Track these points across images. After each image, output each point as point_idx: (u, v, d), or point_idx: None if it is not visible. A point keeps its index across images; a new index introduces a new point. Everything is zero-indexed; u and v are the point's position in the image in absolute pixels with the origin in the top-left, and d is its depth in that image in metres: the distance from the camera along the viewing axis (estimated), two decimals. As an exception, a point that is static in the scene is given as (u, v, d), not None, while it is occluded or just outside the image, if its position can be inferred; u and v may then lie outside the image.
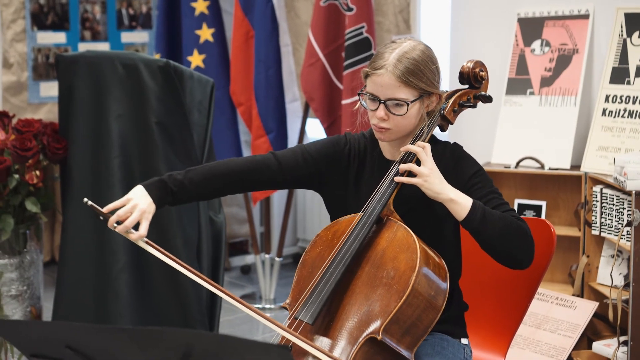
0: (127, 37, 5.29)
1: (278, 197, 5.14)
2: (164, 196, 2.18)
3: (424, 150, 2.16)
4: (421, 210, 2.23)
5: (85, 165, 2.88)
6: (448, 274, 2.13)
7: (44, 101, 5.01)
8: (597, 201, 3.65)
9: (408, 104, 2.18)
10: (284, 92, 4.61)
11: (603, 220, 3.62)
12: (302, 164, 2.29)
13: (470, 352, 2.30)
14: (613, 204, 3.57)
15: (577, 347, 3.66)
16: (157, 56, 4.61)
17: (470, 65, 2.30)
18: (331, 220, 2.35)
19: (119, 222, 2.13)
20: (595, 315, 3.66)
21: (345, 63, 4.40)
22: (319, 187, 2.35)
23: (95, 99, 2.86)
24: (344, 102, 4.43)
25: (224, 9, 4.91)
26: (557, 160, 3.88)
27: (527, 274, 2.50)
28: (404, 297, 2.00)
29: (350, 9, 4.36)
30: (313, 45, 4.53)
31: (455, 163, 2.24)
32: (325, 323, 2.07)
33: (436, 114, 2.26)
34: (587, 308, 3.68)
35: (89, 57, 2.87)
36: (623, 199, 3.50)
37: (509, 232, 2.12)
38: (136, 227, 2.14)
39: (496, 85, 3.91)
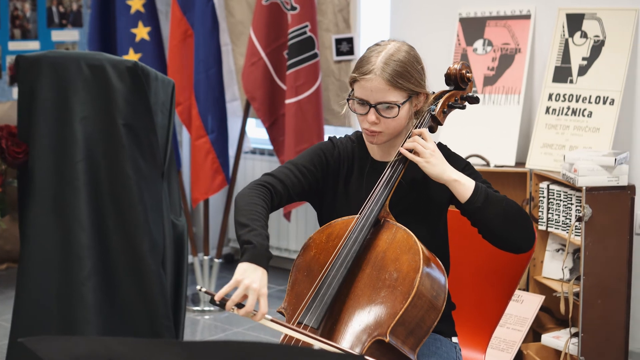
0: (57, 35, 5.14)
1: (214, 199, 5.08)
2: (267, 257, 2.07)
3: (421, 135, 2.18)
4: (414, 212, 2.24)
5: (47, 170, 2.79)
6: (445, 274, 2.14)
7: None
8: (543, 197, 3.75)
9: (399, 106, 2.18)
10: (224, 92, 4.56)
11: (550, 215, 3.71)
12: (301, 178, 2.26)
13: (460, 350, 2.33)
14: (560, 200, 3.66)
15: (525, 340, 3.74)
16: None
17: (457, 66, 2.32)
18: (320, 224, 2.34)
19: (237, 305, 2.01)
20: (540, 308, 3.74)
21: (289, 62, 4.38)
22: (316, 197, 2.32)
23: (58, 100, 2.77)
24: (287, 101, 4.41)
25: (158, 9, 4.82)
26: (502, 157, 3.96)
27: (507, 271, 2.55)
28: (410, 299, 2.01)
29: (293, 8, 4.35)
30: (255, 44, 4.50)
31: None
32: (328, 326, 2.06)
33: (426, 115, 2.28)
34: (533, 302, 3.77)
35: (52, 58, 2.78)
36: (571, 194, 3.60)
37: (511, 214, 2.15)
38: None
39: (438, 84, 3.96)
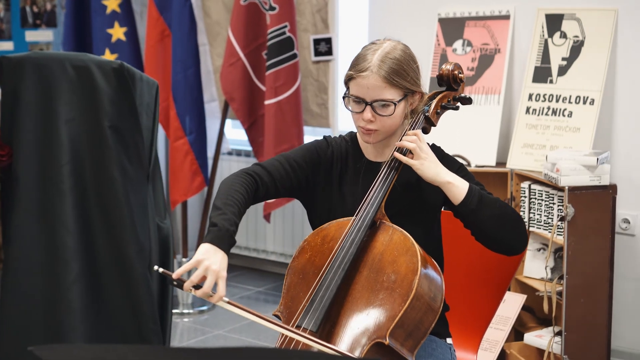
0: (31, 35, 5.07)
1: (192, 202, 5.05)
2: (231, 242, 2.07)
3: (416, 136, 2.17)
4: (408, 214, 2.23)
5: (32, 173, 2.73)
6: (442, 276, 2.14)
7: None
8: (524, 197, 3.76)
9: (395, 104, 2.18)
10: (202, 92, 4.52)
11: (531, 215, 3.73)
12: (290, 172, 2.25)
13: (454, 351, 2.33)
14: (542, 200, 3.68)
15: (507, 339, 3.76)
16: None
17: (450, 67, 2.32)
18: (312, 226, 2.32)
19: (195, 286, 2.00)
20: (522, 307, 3.76)
21: (268, 63, 4.36)
22: (304, 195, 2.31)
23: (43, 102, 2.72)
24: (267, 102, 4.39)
25: (134, 9, 4.77)
26: (483, 157, 3.97)
27: (498, 271, 2.55)
28: (409, 301, 2.00)
29: (272, 8, 4.32)
30: (233, 45, 4.47)
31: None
32: (327, 330, 2.05)
33: (420, 115, 2.27)
34: (516, 301, 3.78)
35: (36, 59, 2.72)
36: (553, 194, 3.62)
37: (504, 217, 2.14)
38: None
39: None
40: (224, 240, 2.05)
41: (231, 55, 4.49)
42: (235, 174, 2.21)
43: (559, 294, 3.55)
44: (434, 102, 2.30)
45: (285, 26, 4.33)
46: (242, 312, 2.01)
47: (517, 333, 3.84)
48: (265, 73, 4.40)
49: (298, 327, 2.04)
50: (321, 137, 2.36)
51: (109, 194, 2.76)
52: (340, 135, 2.37)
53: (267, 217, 4.65)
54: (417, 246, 2.07)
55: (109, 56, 4.55)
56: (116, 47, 4.60)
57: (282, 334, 2.08)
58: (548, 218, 3.65)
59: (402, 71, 2.18)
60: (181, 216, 4.75)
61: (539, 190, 3.70)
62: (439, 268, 2.14)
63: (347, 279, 2.08)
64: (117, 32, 4.61)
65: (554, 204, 3.62)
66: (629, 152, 3.75)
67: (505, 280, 2.54)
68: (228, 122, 4.96)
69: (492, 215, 2.14)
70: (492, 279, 2.54)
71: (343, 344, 2.01)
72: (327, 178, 2.29)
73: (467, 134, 4.03)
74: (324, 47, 4.56)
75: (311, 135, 4.71)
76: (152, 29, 4.53)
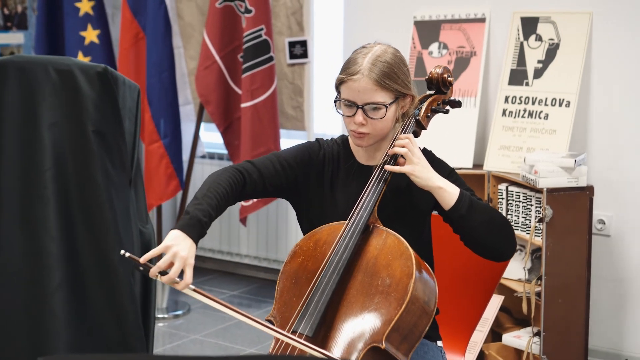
0: (1, 38, 5.00)
1: (166, 204, 5.01)
2: (200, 231, 2.08)
3: (409, 140, 2.18)
4: (398, 218, 2.24)
5: (14, 178, 2.69)
6: (435, 279, 2.15)
7: None
8: (502, 198, 3.79)
9: (386, 107, 2.19)
10: (177, 95, 4.50)
11: (509, 216, 3.76)
12: (280, 171, 2.25)
13: (445, 353, 2.34)
14: (520, 201, 3.71)
15: (485, 340, 3.78)
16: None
17: (439, 71, 2.33)
18: (303, 229, 2.32)
19: (161, 272, 2.00)
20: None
21: (244, 66, 4.35)
22: (294, 195, 2.31)
23: (25, 106, 2.68)
24: (243, 105, 4.37)
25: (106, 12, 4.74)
26: (460, 159, 3.98)
27: (485, 274, 2.56)
28: (405, 305, 2.00)
29: (248, 11, 4.31)
30: (209, 48, 4.45)
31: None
32: (322, 334, 2.05)
33: (411, 119, 2.28)
34: (493, 302, 3.79)
35: (18, 62, 2.68)
36: (531, 196, 3.65)
37: (493, 223, 2.16)
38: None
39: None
40: (194, 228, 2.06)
41: (207, 58, 4.47)
42: (224, 169, 2.23)
43: (538, 294, 3.58)
44: (425, 105, 2.31)
45: (262, 29, 4.32)
46: (209, 301, 2.03)
47: (494, 334, 3.87)
48: (242, 76, 4.38)
49: (294, 332, 2.03)
50: (314, 140, 2.37)
51: (92, 199, 2.73)
52: (332, 138, 2.37)
53: (243, 220, 4.63)
54: (411, 250, 2.08)
55: (82, 59, 4.50)
56: (89, 49, 4.56)
57: (277, 339, 2.07)
58: (526, 219, 3.68)
59: (392, 74, 2.19)
60: (156, 221, 4.71)
61: (516, 192, 3.73)
62: (431, 271, 2.15)
63: (342, 283, 2.09)
64: (90, 35, 4.57)
65: (531, 205, 3.65)
66: (603, 154, 3.79)
67: (492, 283, 2.56)
68: (202, 125, 4.93)
69: (482, 222, 2.15)
70: (479, 282, 2.56)
71: (339, 349, 2.01)
72: (318, 180, 2.29)
73: (443, 137, 4.04)
74: (299, 49, 4.55)
75: (286, 138, 4.71)
76: (126, 32, 4.49)
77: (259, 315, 4.50)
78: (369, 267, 2.09)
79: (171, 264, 2.02)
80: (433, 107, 2.32)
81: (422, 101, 2.33)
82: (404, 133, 2.26)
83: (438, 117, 4.03)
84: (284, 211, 4.91)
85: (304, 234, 2.30)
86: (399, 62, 2.22)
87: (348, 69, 2.21)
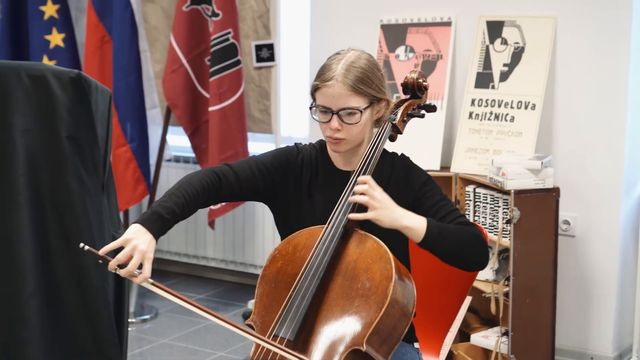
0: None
1: (133, 209, 4.99)
2: (161, 228, 2.10)
3: (368, 185, 2.14)
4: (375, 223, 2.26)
5: (-15, 185, 2.68)
6: (413, 282, 2.17)
7: None
8: (469, 200, 3.84)
9: (361, 112, 2.21)
10: (144, 99, 4.48)
11: (476, 218, 3.80)
12: (257, 175, 2.27)
13: (421, 355, 2.37)
14: (487, 203, 3.76)
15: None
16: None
17: (415, 75, 2.36)
18: (282, 234, 2.34)
19: (120, 265, 2.01)
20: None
21: (212, 69, 4.35)
22: (272, 200, 2.33)
23: (-3, 112, 2.67)
24: (211, 108, 4.38)
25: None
26: (427, 162, 4.02)
27: (459, 277, 2.59)
28: (385, 307, 2.03)
29: (215, 15, 4.31)
30: (176, 51, 4.45)
31: (406, 173, 2.30)
32: (302, 338, 2.06)
33: (387, 123, 2.31)
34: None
35: (-11, 68, 2.67)
36: (498, 197, 3.70)
37: (464, 242, 2.19)
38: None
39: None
40: (155, 224, 2.09)
41: (173, 61, 4.47)
42: (201, 171, 2.25)
43: (505, 294, 3.63)
44: (401, 109, 2.34)
45: (229, 32, 4.32)
46: (168, 295, 2.05)
47: (462, 334, 3.91)
48: (209, 79, 4.38)
49: (275, 336, 2.05)
50: (292, 144, 2.38)
51: (66, 205, 2.72)
52: (310, 143, 2.39)
53: (211, 224, 4.63)
54: (390, 253, 2.11)
55: (46, 63, 4.47)
56: (54, 53, 4.53)
57: (256, 344, 2.09)
58: (493, 221, 3.73)
59: (366, 79, 2.22)
60: (123, 225, 4.68)
61: (483, 194, 3.77)
62: (409, 274, 2.18)
63: (322, 287, 2.10)
64: (56, 39, 4.54)
65: (498, 207, 3.70)
66: (567, 156, 3.86)
67: (465, 285, 2.60)
68: (169, 128, 4.92)
69: (453, 245, 2.19)
70: (453, 284, 2.59)
71: (320, 352, 2.03)
72: (296, 185, 2.31)
73: (411, 139, 4.06)
74: (265, 53, 4.57)
75: (252, 141, 4.71)
76: (91, 35, 4.47)
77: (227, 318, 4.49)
78: (348, 271, 2.11)
79: (130, 257, 2.04)
80: (409, 112, 2.35)
81: (397, 106, 2.35)
82: (381, 137, 2.28)
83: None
84: (250, 214, 4.92)
85: (282, 238, 2.32)
86: (372, 67, 2.25)
87: (322, 75, 2.23)
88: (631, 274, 3.86)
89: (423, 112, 2.39)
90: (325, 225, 2.17)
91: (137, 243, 2.05)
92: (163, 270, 5.26)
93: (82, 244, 2.04)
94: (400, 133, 2.34)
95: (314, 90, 2.25)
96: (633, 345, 3.74)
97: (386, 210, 2.14)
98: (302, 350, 2.03)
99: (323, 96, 2.22)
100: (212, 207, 4.50)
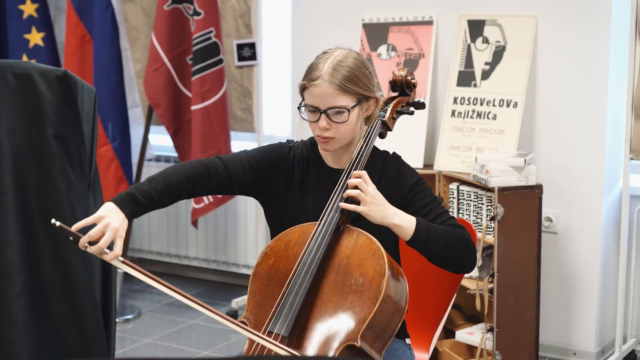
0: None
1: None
2: (135, 209, 2.12)
3: (362, 179, 2.17)
4: (366, 219, 2.26)
5: (-29, 184, 2.66)
6: (405, 277, 2.18)
7: None
8: (453, 198, 3.86)
9: (349, 110, 2.22)
10: (126, 98, 4.47)
11: (460, 215, 3.82)
12: (247, 169, 2.27)
13: (413, 350, 2.38)
14: (471, 200, 3.78)
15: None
16: None
17: (403, 73, 2.37)
18: (272, 230, 2.34)
19: (91, 242, 2.01)
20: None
21: (194, 68, 4.34)
22: (262, 195, 2.33)
23: (-18, 112, 2.65)
24: (193, 107, 4.37)
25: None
26: (410, 159, 3.96)
27: (448, 274, 2.61)
28: (378, 303, 2.04)
29: (197, 13, 4.31)
30: (157, 50, 4.43)
31: (397, 172, 2.31)
32: (296, 334, 2.07)
33: (377, 121, 2.32)
34: (445, 299, 3.87)
35: (-26, 67, 2.65)
36: (482, 195, 3.72)
37: (453, 245, 2.21)
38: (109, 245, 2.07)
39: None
40: (129, 204, 2.11)
41: (155, 60, 4.45)
42: (190, 161, 2.27)
43: (490, 291, 3.65)
44: (390, 107, 2.35)
45: (211, 31, 4.32)
46: (138, 274, 2.07)
47: (446, 330, 3.93)
48: (191, 78, 4.38)
49: (270, 332, 2.05)
50: (284, 140, 2.39)
51: (53, 204, 2.70)
52: (302, 141, 2.39)
53: (194, 223, 4.62)
54: (382, 249, 2.12)
55: (26, 62, 4.44)
56: (34, 52, 4.50)
57: (251, 340, 2.09)
58: (477, 218, 3.75)
59: (354, 77, 2.22)
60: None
61: (467, 191, 3.80)
62: (401, 270, 2.19)
63: (315, 284, 2.11)
64: (35, 38, 4.51)
65: (482, 204, 3.72)
66: (549, 153, 3.89)
67: (455, 281, 2.61)
68: (151, 127, 4.90)
69: (441, 246, 2.21)
70: (442, 280, 2.61)
71: (314, 348, 2.04)
72: (287, 183, 2.31)
73: (394, 137, 4.08)
74: (247, 51, 4.56)
75: (234, 140, 4.71)
76: (71, 35, 4.44)
77: (211, 318, 4.49)
78: (341, 267, 2.12)
79: (102, 235, 2.06)
80: (398, 109, 2.36)
81: (386, 103, 2.36)
82: (371, 135, 2.29)
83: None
84: (232, 213, 4.91)
85: (272, 234, 2.33)
86: (360, 66, 2.25)
87: (309, 74, 2.24)
88: (613, 269, 3.90)
89: (412, 109, 2.40)
90: (318, 222, 2.18)
91: (110, 221, 2.06)
92: (145, 269, 5.23)
93: (53, 220, 2.04)
94: (390, 130, 2.36)
95: (302, 89, 2.25)
96: (615, 341, 3.78)
97: (378, 206, 2.16)
98: (296, 346, 2.04)
99: (311, 95, 2.22)
100: (195, 206, 4.49)
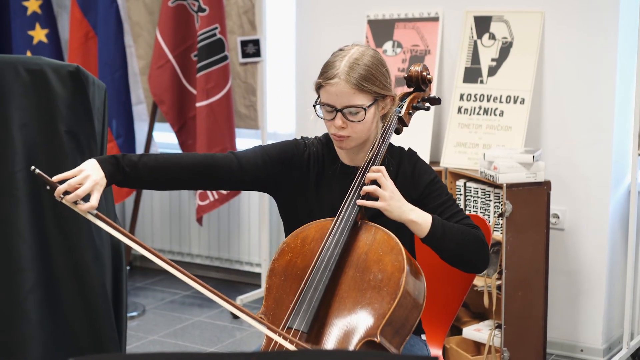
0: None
1: (118, 205, 4.94)
2: (115, 173, 2.15)
3: (381, 174, 2.18)
4: (382, 215, 2.26)
5: (-17, 180, 2.65)
6: (422, 273, 2.18)
7: None
8: (460, 194, 3.85)
9: (365, 110, 2.20)
10: (130, 95, 4.45)
11: (467, 212, 3.82)
12: (261, 165, 2.26)
13: (428, 346, 2.37)
14: (478, 197, 3.78)
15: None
16: None
17: (419, 69, 2.36)
18: (287, 227, 2.33)
19: (67, 193, 2.04)
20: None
21: (199, 65, 4.33)
22: (275, 191, 2.32)
23: (-6, 107, 2.63)
24: (198, 104, 4.36)
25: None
26: (416, 156, 4.02)
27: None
28: (397, 299, 2.03)
29: (202, 10, 4.29)
30: (162, 47, 4.42)
31: (413, 169, 2.30)
32: (315, 330, 2.06)
33: (393, 117, 2.31)
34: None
35: (-14, 63, 2.64)
36: (489, 191, 3.72)
37: (467, 244, 2.21)
38: (86, 199, 2.10)
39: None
40: (111, 166, 2.15)
41: (160, 57, 4.44)
42: (203, 153, 2.30)
43: (498, 288, 3.65)
44: (406, 102, 2.34)
45: (216, 28, 4.31)
46: (113, 231, 2.08)
47: (453, 327, 3.93)
48: (196, 75, 4.36)
49: (289, 328, 2.04)
50: (299, 137, 2.38)
51: (65, 200, 2.69)
52: (316, 137, 2.38)
53: (199, 220, 4.61)
54: (401, 245, 2.11)
55: (30, 59, 4.42)
56: (38, 49, 4.48)
57: (268, 337, 2.08)
58: (484, 215, 3.74)
59: (370, 76, 2.21)
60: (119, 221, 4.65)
61: (474, 188, 3.79)
62: (419, 266, 2.18)
63: (333, 280, 2.11)
64: (39, 34, 4.49)
65: (490, 200, 3.72)
66: (556, 150, 3.89)
67: (467, 281, 2.60)
68: (155, 124, 4.89)
69: (456, 245, 2.21)
70: (454, 279, 2.60)
71: (333, 344, 2.03)
72: (303, 181, 2.30)
73: (400, 134, 4.09)
74: (251, 48, 4.55)
75: (238, 137, 4.70)
76: (75, 31, 4.43)
77: (214, 315, 4.49)
78: (360, 263, 2.11)
79: (80, 185, 2.08)
80: (414, 105, 2.36)
81: (402, 99, 2.36)
82: (388, 131, 2.28)
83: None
84: (236, 210, 4.90)
85: (286, 230, 2.32)
86: (377, 64, 2.24)
87: (326, 72, 2.22)
88: (620, 266, 3.90)
89: (427, 104, 2.39)
90: (335, 218, 2.17)
91: (89, 173, 2.11)
92: (146, 267, 5.22)
93: (32, 167, 2.07)
94: (406, 125, 2.35)
95: (318, 87, 2.24)
96: (623, 337, 3.78)
97: (396, 202, 2.15)
98: (315, 342, 2.03)
99: (327, 94, 2.21)
100: (200, 203, 4.48)
